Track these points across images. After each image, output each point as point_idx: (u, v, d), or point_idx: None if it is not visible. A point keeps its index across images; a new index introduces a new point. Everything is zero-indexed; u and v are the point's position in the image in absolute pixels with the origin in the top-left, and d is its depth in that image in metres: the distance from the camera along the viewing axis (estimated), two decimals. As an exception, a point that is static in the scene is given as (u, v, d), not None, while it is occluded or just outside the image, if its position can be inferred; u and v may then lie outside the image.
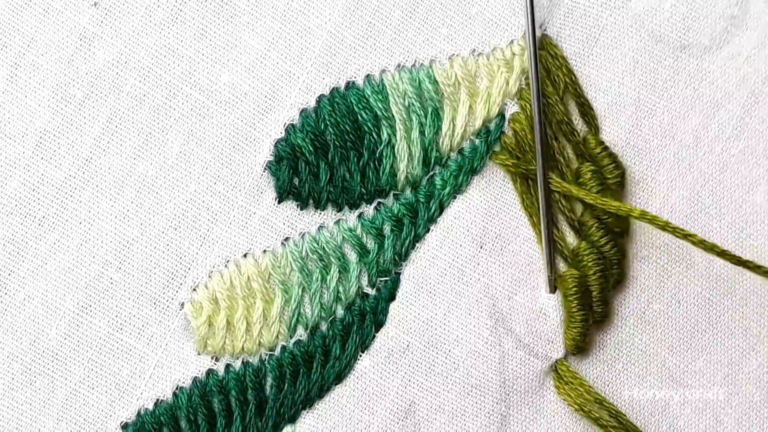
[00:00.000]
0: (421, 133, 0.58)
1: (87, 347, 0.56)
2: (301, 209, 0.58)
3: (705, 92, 0.60)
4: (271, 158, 0.57)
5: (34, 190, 0.56)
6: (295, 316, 0.57)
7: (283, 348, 0.58)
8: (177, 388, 0.57)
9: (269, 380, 0.57)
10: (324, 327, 0.58)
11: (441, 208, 0.59)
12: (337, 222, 0.58)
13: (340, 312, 0.58)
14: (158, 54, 0.57)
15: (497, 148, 0.59)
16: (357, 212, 0.58)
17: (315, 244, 0.57)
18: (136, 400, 0.57)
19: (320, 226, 0.58)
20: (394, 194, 0.58)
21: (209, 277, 0.57)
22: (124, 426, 0.57)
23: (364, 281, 0.58)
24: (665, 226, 0.56)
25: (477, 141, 0.59)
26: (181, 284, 0.57)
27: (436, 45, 0.58)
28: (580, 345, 0.59)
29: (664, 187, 0.59)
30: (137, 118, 0.56)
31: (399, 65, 0.58)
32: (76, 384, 0.56)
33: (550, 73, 0.59)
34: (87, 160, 0.56)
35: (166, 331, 0.57)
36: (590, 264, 0.59)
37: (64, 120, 0.56)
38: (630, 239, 0.59)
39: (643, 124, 0.59)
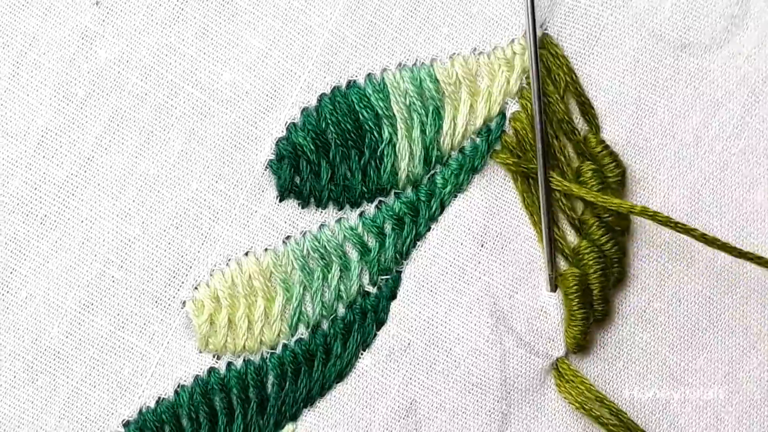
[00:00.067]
0: (423, 131, 0.58)
1: (89, 345, 0.57)
2: (303, 208, 0.58)
3: (705, 91, 0.60)
4: (273, 157, 0.57)
5: (35, 188, 0.56)
6: (297, 314, 0.57)
7: (285, 346, 0.58)
8: (179, 387, 0.57)
9: (271, 378, 0.58)
10: (325, 325, 0.58)
11: (442, 207, 0.59)
12: (339, 220, 0.58)
13: (341, 310, 0.58)
14: (160, 53, 0.57)
15: (498, 147, 0.59)
16: (358, 211, 0.58)
17: (316, 243, 0.58)
18: (137, 398, 0.57)
19: (321, 225, 0.58)
20: (395, 193, 0.58)
21: (211, 275, 0.57)
22: (126, 424, 0.57)
23: (366, 280, 0.58)
24: (666, 222, 0.56)
25: (478, 140, 0.59)
26: (182, 282, 0.57)
27: (437, 44, 0.59)
28: (581, 343, 0.59)
29: (665, 185, 0.59)
30: (139, 116, 0.57)
31: (400, 64, 0.58)
32: (78, 382, 0.56)
33: (550, 72, 0.59)
34: (89, 158, 0.56)
35: (168, 330, 0.57)
36: (591, 262, 0.59)
37: (65, 119, 0.56)
38: (631, 238, 0.59)
39: (644, 123, 0.59)
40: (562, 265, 0.59)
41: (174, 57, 0.57)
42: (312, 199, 0.58)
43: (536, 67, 0.58)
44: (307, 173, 0.57)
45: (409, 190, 0.58)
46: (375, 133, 0.58)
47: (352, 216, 0.58)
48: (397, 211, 0.58)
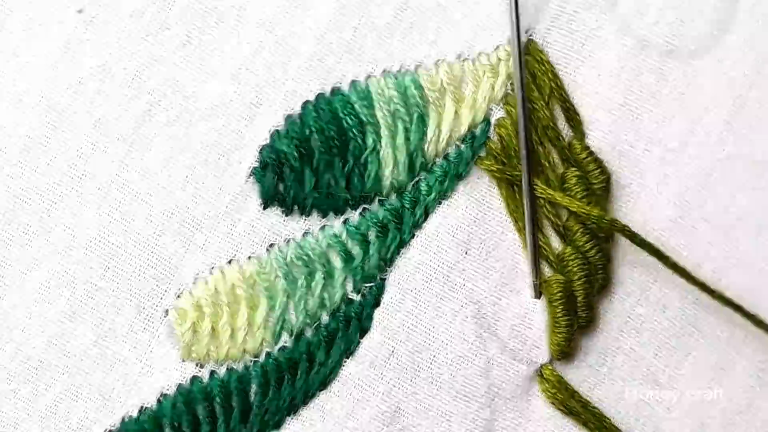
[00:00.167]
0: (407, 138, 0.58)
1: (71, 354, 0.57)
2: (286, 215, 0.58)
3: (691, 97, 0.60)
4: (256, 164, 0.57)
5: (18, 197, 0.56)
6: (280, 322, 0.57)
7: (268, 354, 0.58)
8: (161, 395, 0.57)
9: (254, 387, 0.58)
10: (309, 333, 0.58)
11: (426, 214, 0.59)
12: (322, 228, 0.58)
13: (325, 318, 0.58)
14: (143, 61, 0.57)
15: (483, 154, 0.59)
16: (342, 218, 0.58)
17: (300, 251, 0.58)
18: (120, 407, 0.57)
19: (305, 233, 0.58)
20: (379, 200, 0.58)
21: (194, 283, 0.57)
22: (109, 433, 0.57)
23: (350, 287, 0.58)
24: (641, 243, 0.56)
25: (462, 146, 0.59)
26: (165, 291, 0.57)
27: (421, 50, 0.58)
28: (565, 350, 0.59)
29: (651, 191, 0.59)
30: (121, 125, 0.56)
31: (384, 71, 0.58)
32: (61, 392, 0.56)
33: (535, 78, 0.59)
34: (72, 167, 0.56)
35: (151, 338, 0.57)
36: (575, 269, 0.59)
37: (48, 127, 0.56)
38: (615, 243, 0.59)
39: (629, 129, 0.59)
40: (547, 271, 0.59)
41: (157, 65, 0.57)
42: (296, 207, 0.57)
43: (521, 73, 0.58)
44: (291, 181, 0.57)
45: (393, 197, 0.58)
46: (359, 140, 0.58)
47: (336, 223, 0.58)
48: (381, 218, 0.58)
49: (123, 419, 0.57)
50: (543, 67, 0.59)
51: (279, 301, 0.57)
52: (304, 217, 0.58)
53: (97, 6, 0.57)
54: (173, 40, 0.57)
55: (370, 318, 0.58)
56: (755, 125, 0.60)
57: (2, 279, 0.56)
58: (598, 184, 0.59)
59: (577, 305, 0.59)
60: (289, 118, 0.58)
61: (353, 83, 0.58)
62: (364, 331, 0.58)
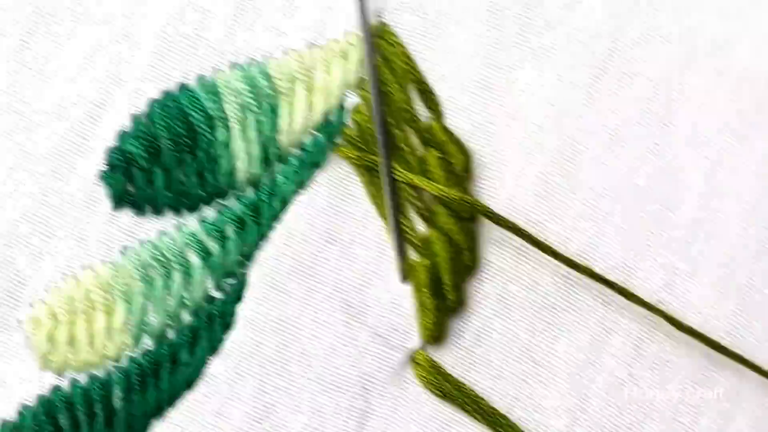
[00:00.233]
0: (258, 130, 0.57)
1: (-76, 372, 0.56)
2: (139, 216, 0.57)
3: (551, 70, 0.59)
4: (104, 167, 0.56)
5: None
6: (140, 325, 0.56)
7: (130, 358, 0.57)
8: (22, 407, 0.56)
9: (117, 392, 0.57)
10: (171, 334, 0.57)
11: (285, 205, 0.58)
12: (178, 226, 0.57)
13: (186, 318, 0.57)
14: (-22, 69, 0.56)
15: (340, 141, 0.58)
16: (197, 215, 0.57)
17: (155, 251, 0.57)
18: (-22, 422, 0.56)
19: (160, 232, 0.57)
20: (235, 194, 0.57)
21: (47, 292, 0.56)
22: (-30, 449, 0.56)
23: (210, 285, 0.57)
24: (503, 223, 0.56)
25: (318, 135, 0.58)
26: (18, 301, 0.56)
27: (269, 40, 0.57)
28: (436, 334, 0.58)
29: (515, 168, 0.59)
30: (-39, 135, 0.55)
31: (232, 63, 0.57)
32: None
33: (388, 60, 0.58)
34: None
35: (6, 350, 0.56)
36: (440, 252, 0.58)
37: None
38: (482, 223, 0.59)
39: (489, 107, 0.59)
40: (413, 256, 0.58)
41: (-6, 72, 0.56)
42: (148, 207, 0.56)
43: (371, 57, 0.57)
44: (141, 181, 0.56)
45: (249, 191, 0.57)
46: (208, 135, 0.57)
47: (191, 221, 0.57)
48: (237, 212, 0.57)
49: (-19, 434, 0.56)
50: (395, 50, 0.58)
51: (137, 304, 0.56)
52: (157, 216, 0.57)
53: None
54: (7, 46, 0.56)
55: (233, 314, 0.57)
56: (615, 94, 0.59)
57: None
58: (459, 164, 0.58)
59: (444, 288, 0.58)
60: (135, 118, 0.56)
61: (199, 78, 0.57)
62: (227, 327, 0.57)
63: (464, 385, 0.59)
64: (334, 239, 0.58)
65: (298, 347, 0.58)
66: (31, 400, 0.57)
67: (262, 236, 0.58)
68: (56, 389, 0.57)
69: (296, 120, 0.58)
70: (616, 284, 0.58)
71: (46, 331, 0.56)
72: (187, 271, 0.57)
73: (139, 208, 0.57)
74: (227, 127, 0.57)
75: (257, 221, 0.58)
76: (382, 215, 0.59)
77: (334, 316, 0.58)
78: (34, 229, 0.56)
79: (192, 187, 0.57)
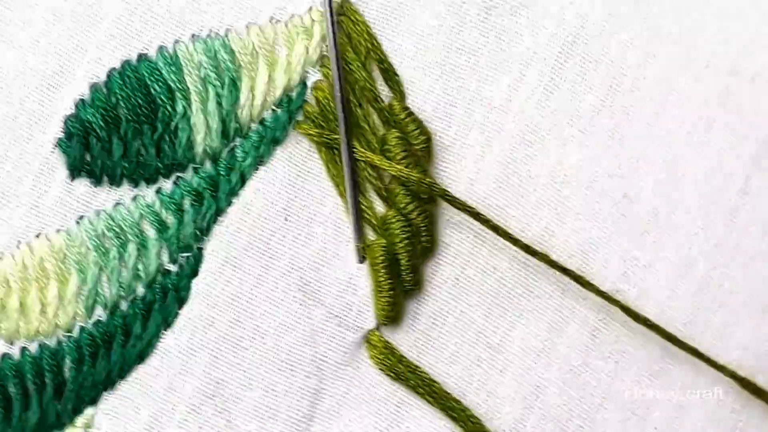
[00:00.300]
0: (218, 104, 0.57)
1: None
2: (96, 186, 0.56)
3: (514, 52, 0.59)
4: (62, 135, 0.56)
5: None
6: (93, 295, 0.56)
7: (82, 329, 0.56)
8: (-30, 374, 0.56)
9: (68, 362, 0.56)
10: (124, 306, 0.57)
11: (243, 181, 0.57)
12: (135, 198, 0.57)
13: (140, 290, 0.57)
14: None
15: (300, 118, 0.58)
16: (155, 187, 0.57)
17: (111, 222, 0.56)
18: (-73, 388, 0.55)
19: (117, 203, 0.57)
20: (193, 168, 0.57)
21: (0, 259, 0.56)
22: None
23: (165, 258, 0.57)
24: (460, 205, 0.56)
25: (279, 111, 0.58)
26: (-30, 268, 0.55)
27: (231, 14, 0.57)
28: (391, 315, 0.58)
29: (475, 151, 0.59)
30: None
31: (193, 36, 0.57)
32: None
33: (351, 39, 0.58)
34: None
35: (-44, 316, 0.56)
36: (397, 232, 0.58)
37: None
38: (440, 205, 0.58)
39: (451, 88, 0.58)
40: (371, 236, 0.58)
41: (-48, 36, 0.55)
42: (105, 177, 0.56)
43: (334, 34, 0.57)
44: (98, 150, 0.56)
45: (208, 165, 0.57)
46: (168, 107, 0.56)
47: (148, 193, 0.57)
48: (195, 186, 0.57)
49: (-70, 401, 0.56)
50: (358, 28, 0.58)
51: (91, 274, 0.56)
52: (114, 187, 0.57)
53: None
54: (-34, 10, 0.56)
55: (187, 288, 0.57)
56: (578, 81, 0.59)
57: None
58: (419, 144, 0.58)
59: (400, 269, 0.58)
60: (94, 87, 0.56)
61: (160, 49, 0.57)
62: (182, 301, 0.57)
63: (418, 367, 0.59)
64: (291, 216, 0.58)
65: (252, 324, 0.58)
66: (-20, 368, 0.56)
67: (219, 211, 0.58)
68: (6, 357, 0.56)
69: (257, 95, 0.57)
70: (573, 272, 0.58)
71: (-3, 298, 0.56)
72: (142, 243, 0.57)
73: (96, 177, 0.56)
74: (188, 100, 0.57)
75: (215, 195, 0.57)
76: (341, 194, 0.58)
77: (290, 294, 0.58)
78: (-11, 195, 0.56)
79: (150, 159, 0.57)
